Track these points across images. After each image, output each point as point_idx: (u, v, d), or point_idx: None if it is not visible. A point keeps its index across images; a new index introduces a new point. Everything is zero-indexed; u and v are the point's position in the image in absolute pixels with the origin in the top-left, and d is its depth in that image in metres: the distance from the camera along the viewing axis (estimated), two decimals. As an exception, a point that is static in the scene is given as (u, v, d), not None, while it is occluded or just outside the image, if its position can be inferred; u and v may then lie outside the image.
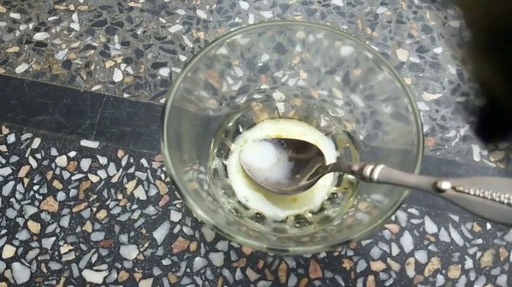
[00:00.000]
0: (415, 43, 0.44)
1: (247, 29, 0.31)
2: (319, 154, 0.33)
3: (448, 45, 0.44)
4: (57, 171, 0.37)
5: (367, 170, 0.26)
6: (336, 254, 0.34)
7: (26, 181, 0.37)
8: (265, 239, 0.30)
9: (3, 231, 0.35)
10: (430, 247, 0.34)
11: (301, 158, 0.34)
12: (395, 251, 0.34)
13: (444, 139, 0.39)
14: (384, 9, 0.46)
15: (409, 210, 0.35)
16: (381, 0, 0.47)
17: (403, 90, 0.29)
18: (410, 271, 0.33)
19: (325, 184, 0.34)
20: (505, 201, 0.21)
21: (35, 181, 0.37)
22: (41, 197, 0.36)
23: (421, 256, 0.34)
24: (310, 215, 0.33)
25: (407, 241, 0.34)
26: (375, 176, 0.26)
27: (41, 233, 0.35)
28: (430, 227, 0.35)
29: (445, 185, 0.22)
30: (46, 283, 0.33)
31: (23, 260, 0.34)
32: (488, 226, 0.35)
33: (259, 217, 0.33)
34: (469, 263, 0.34)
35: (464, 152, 0.38)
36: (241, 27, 0.31)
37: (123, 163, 0.38)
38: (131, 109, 0.40)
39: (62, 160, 0.38)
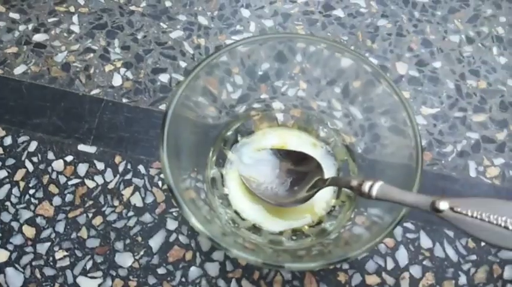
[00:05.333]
0: (415, 56, 0.44)
1: (250, 40, 0.31)
2: (318, 167, 0.33)
3: (447, 59, 0.44)
4: (54, 175, 0.37)
5: (366, 187, 0.26)
6: (331, 267, 0.34)
7: (22, 184, 0.37)
8: (261, 252, 0.29)
9: (-2, 235, 0.35)
10: (424, 262, 0.34)
11: (300, 170, 0.34)
12: (390, 265, 0.34)
13: (441, 154, 0.39)
14: (385, 22, 0.47)
15: (404, 224, 0.36)
16: (382, 13, 0.47)
17: (402, 104, 0.29)
18: (405, 286, 0.34)
19: (323, 196, 0.34)
20: (502, 224, 0.21)
21: (30, 185, 0.37)
22: (36, 202, 0.36)
23: (415, 270, 0.34)
24: (307, 227, 0.33)
25: (402, 255, 0.35)
26: (373, 192, 0.26)
27: (35, 238, 0.35)
28: (425, 242, 0.35)
29: (443, 205, 0.23)
30: (39, 288, 0.33)
31: (16, 265, 0.34)
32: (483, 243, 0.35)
33: (256, 229, 0.33)
34: (462, 279, 0.34)
35: (461, 167, 0.38)
36: (244, 39, 0.31)
37: (121, 168, 0.37)
38: (130, 114, 0.40)
39: (58, 164, 0.38)
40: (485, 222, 0.22)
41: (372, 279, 0.34)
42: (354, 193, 0.28)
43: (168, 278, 0.33)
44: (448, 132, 0.40)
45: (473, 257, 0.35)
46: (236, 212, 0.34)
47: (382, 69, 0.31)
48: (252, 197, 0.34)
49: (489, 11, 0.48)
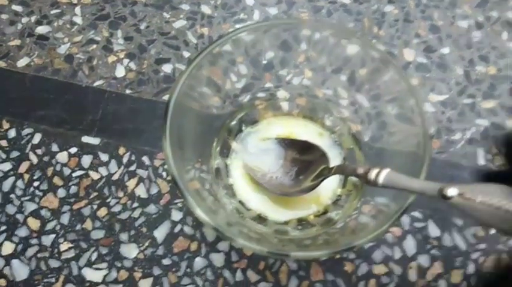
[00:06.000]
0: (423, 43, 0.43)
1: (253, 27, 0.31)
2: (324, 156, 0.32)
3: (455, 45, 0.43)
4: (58, 167, 0.37)
5: (372, 174, 0.26)
6: (337, 256, 0.33)
7: (26, 176, 0.37)
8: (266, 242, 0.29)
9: (3, 227, 0.35)
10: (432, 251, 0.34)
11: (305, 159, 0.33)
12: (397, 254, 0.34)
13: (449, 141, 0.38)
14: (391, 8, 0.46)
15: (412, 213, 0.35)
16: (388, -1, 0.46)
17: (410, 91, 0.29)
18: (413, 275, 0.33)
19: (329, 185, 0.34)
20: (512, 210, 0.21)
21: (35, 177, 0.37)
22: (41, 194, 0.36)
23: (423, 260, 0.34)
24: (312, 217, 0.33)
25: (410, 244, 0.34)
26: (380, 180, 0.25)
27: (40, 230, 0.35)
28: (433, 231, 0.34)
29: (452, 191, 0.22)
30: (45, 280, 0.33)
31: (22, 257, 0.34)
32: (492, 230, 0.34)
33: (261, 219, 0.32)
34: (471, 268, 0.33)
35: (469, 155, 0.37)
36: (247, 25, 0.31)
37: (125, 160, 0.37)
38: (133, 105, 0.40)
39: (62, 156, 0.37)
40: (494, 208, 0.21)
41: (379, 268, 0.33)
42: (360, 180, 0.27)
43: (173, 269, 0.33)
44: (456, 120, 0.39)
45: (482, 246, 0.34)
46: (241, 202, 0.33)
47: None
48: (257, 187, 0.34)
49: (499, -5, 0.47)
